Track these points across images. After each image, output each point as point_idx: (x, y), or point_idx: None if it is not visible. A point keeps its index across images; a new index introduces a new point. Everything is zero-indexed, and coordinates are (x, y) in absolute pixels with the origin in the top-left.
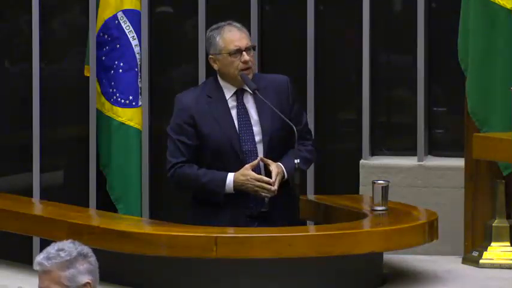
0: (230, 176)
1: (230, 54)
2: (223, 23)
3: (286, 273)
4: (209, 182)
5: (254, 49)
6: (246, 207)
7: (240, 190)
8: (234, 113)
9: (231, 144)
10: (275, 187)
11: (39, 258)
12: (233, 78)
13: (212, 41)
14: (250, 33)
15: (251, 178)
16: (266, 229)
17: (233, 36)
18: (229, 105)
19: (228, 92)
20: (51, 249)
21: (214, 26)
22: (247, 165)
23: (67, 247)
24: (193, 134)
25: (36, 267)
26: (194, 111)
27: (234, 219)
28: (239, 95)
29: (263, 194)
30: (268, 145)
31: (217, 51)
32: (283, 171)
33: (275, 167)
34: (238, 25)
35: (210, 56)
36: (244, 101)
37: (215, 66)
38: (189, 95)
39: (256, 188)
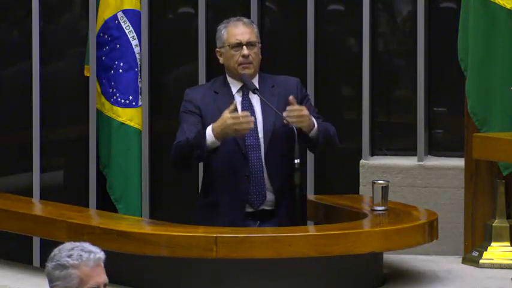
0: (209, 127)
1: (231, 47)
2: (233, 18)
3: (286, 273)
4: (193, 138)
5: (258, 45)
6: (244, 205)
7: (223, 136)
8: (239, 108)
9: (234, 138)
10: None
11: (91, 255)
12: (234, 73)
13: (218, 34)
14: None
15: (225, 116)
16: (266, 229)
17: (236, 29)
18: (235, 100)
19: (234, 88)
20: (86, 246)
21: (225, 20)
22: (225, 112)
23: (89, 243)
24: (199, 121)
25: (88, 264)
26: (200, 104)
27: (234, 220)
28: (245, 90)
29: (244, 127)
30: (270, 140)
31: (222, 44)
32: (312, 120)
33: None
34: (247, 20)
35: (216, 49)
36: (250, 97)
37: (220, 60)
38: (197, 89)
39: (235, 126)
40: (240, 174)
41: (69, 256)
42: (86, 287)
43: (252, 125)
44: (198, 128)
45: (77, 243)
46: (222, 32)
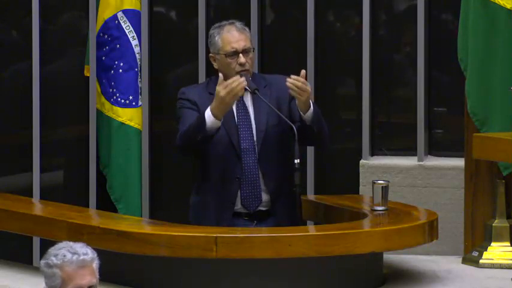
0: (207, 109)
1: (227, 55)
2: (225, 22)
3: (286, 273)
4: (193, 122)
5: (253, 51)
6: (232, 206)
7: (222, 112)
8: (234, 110)
9: (230, 140)
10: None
11: (74, 256)
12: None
13: (212, 40)
14: (250, 33)
15: (217, 91)
16: (266, 229)
17: (231, 37)
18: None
19: None
20: (75, 247)
21: (216, 25)
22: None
23: (84, 244)
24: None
25: (71, 265)
26: (198, 102)
27: (220, 221)
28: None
29: (239, 89)
30: (264, 141)
31: (216, 51)
32: (310, 101)
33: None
34: (239, 26)
35: (210, 54)
36: (244, 99)
37: (215, 65)
38: (193, 89)
39: (231, 93)
40: (232, 176)
41: (55, 255)
42: None
43: (244, 84)
44: None
45: (70, 243)
46: (216, 38)
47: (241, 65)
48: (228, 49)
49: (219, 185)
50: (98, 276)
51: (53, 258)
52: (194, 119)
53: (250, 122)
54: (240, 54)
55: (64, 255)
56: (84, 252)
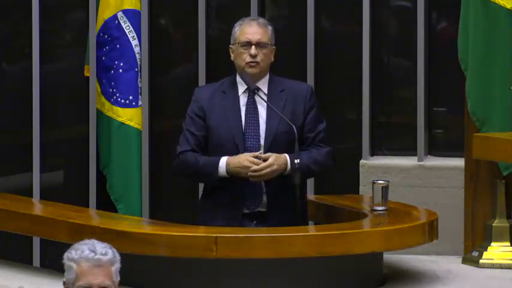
0: (223, 159)
1: (241, 45)
2: (251, 17)
3: (286, 273)
4: (204, 165)
5: (270, 47)
6: (242, 205)
7: (233, 174)
8: (243, 109)
9: (233, 139)
10: (261, 165)
11: (90, 254)
12: (241, 71)
13: (233, 31)
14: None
15: (244, 158)
16: (266, 229)
17: (249, 29)
18: (241, 102)
19: (241, 88)
20: (97, 245)
21: (243, 18)
22: (246, 153)
23: (108, 245)
24: (203, 126)
25: (86, 262)
26: (206, 104)
27: (231, 219)
28: (251, 92)
29: (260, 174)
30: (270, 146)
31: (233, 41)
32: (286, 160)
33: (274, 156)
34: (262, 21)
35: (230, 46)
36: (256, 99)
37: (232, 57)
38: (206, 88)
39: (249, 170)
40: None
41: (76, 250)
42: (78, 284)
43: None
44: (201, 136)
45: (95, 241)
46: (236, 29)
47: (251, 56)
48: (243, 39)
49: (228, 186)
50: (116, 280)
51: (73, 252)
52: (196, 140)
53: (259, 122)
54: (253, 46)
55: (82, 251)
56: (104, 252)
